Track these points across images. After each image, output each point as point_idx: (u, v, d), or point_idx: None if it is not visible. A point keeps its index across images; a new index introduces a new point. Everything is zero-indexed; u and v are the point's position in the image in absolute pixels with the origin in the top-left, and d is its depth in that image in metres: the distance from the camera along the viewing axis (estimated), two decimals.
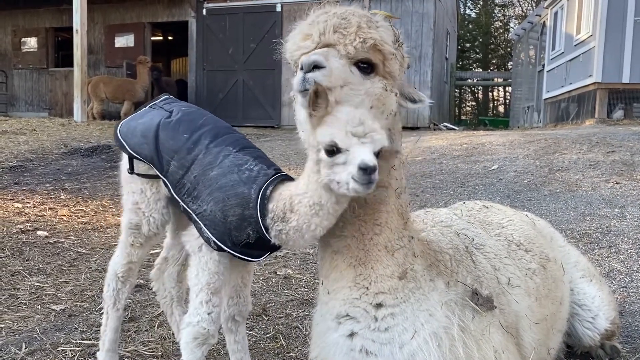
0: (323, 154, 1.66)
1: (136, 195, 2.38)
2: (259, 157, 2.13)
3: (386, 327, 1.78)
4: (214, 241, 2.01)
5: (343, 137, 1.62)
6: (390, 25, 1.79)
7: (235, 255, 2.01)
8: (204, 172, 2.09)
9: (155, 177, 2.30)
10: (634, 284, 3.85)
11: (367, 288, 1.78)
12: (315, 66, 1.65)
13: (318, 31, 1.72)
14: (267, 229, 1.91)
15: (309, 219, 1.78)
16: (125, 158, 2.41)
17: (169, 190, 2.23)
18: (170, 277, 2.70)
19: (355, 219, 1.78)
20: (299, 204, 1.81)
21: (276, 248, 2.05)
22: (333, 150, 1.62)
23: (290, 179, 2.04)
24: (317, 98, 1.65)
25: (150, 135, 2.27)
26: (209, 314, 2.05)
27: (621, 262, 4.27)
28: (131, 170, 2.35)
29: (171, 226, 2.58)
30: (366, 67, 1.71)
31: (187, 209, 2.13)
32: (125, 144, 2.34)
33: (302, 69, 1.67)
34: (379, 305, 1.78)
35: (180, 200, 2.17)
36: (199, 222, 2.05)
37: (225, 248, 1.99)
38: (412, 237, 1.85)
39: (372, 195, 1.76)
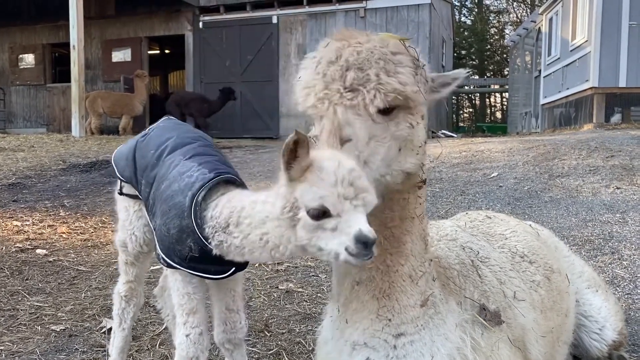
0: (304, 215, 1.44)
1: (122, 213, 2.43)
2: (206, 162, 2.02)
3: (404, 354, 1.74)
4: (162, 257, 1.96)
5: (335, 201, 1.39)
6: (407, 49, 1.62)
7: (189, 272, 1.93)
8: (158, 186, 2.06)
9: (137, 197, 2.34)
10: (639, 291, 3.83)
11: (390, 320, 1.73)
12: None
13: (337, 92, 1.55)
14: (207, 238, 1.80)
15: (254, 248, 1.65)
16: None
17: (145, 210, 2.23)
18: (170, 296, 2.67)
19: (381, 251, 1.66)
20: (250, 226, 1.64)
21: (239, 263, 1.92)
22: (320, 215, 1.41)
23: (236, 181, 1.93)
24: (298, 147, 1.43)
25: (130, 157, 2.31)
26: (186, 336, 1.99)
27: (624, 268, 4.24)
28: (120, 191, 2.41)
29: None
30: (388, 107, 1.57)
31: (152, 227, 2.11)
32: (115, 168, 2.42)
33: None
34: (399, 335, 1.74)
35: (149, 220, 2.16)
36: (155, 238, 2.02)
37: (173, 264, 1.92)
38: (431, 260, 1.81)
39: (399, 228, 1.70)
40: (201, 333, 2.02)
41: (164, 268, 2.69)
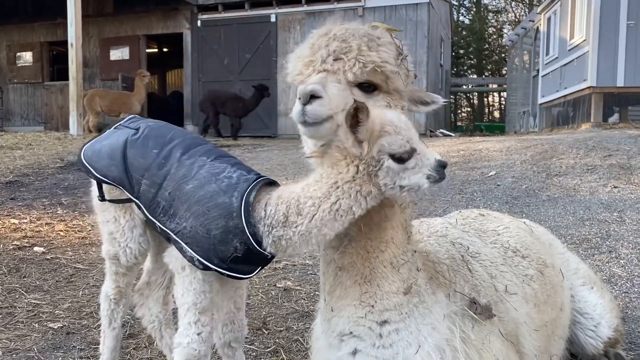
0: (389, 163, 1.60)
1: (110, 225, 2.29)
2: (237, 164, 2.02)
3: (390, 343, 1.76)
4: (198, 260, 1.88)
5: (417, 140, 1.61)
6: (393, 38, 1.77)
7: (223, 273, 1.90)
8: (178, 187, 1.97)
9: (128, 201, 2.18)
10: (636, 289, 3.84)
11: (373, 306, 1.76)
12: (313, 96, 1.62)
13: (320, 58, 1.71)
14: (256, 237, 1.80)
15: (323, 224, 1.68)
16: (94, 184, 2.29)
17: (143, 212, 2.10)
18: (157, 302, 2.60)
19: (361, 236, 1.75)
20: (314, 206, 1.68)
21: (267, 262, 1.95)
22: (408, 157, 1.60)
23: (275, 184, 1.95)
24: (358, 114, 1.59)
25: (117, 156, 2.14)
26: (198, 334, 1.98)
27: (622, 267, 4.26)
28: (102, 197, 2.24)
29: (151, 250, 2.46)
30: (369, 86, 1.70)
31: (165, 229, 2.00)
32: (91, 169, 2.21)
33: (299, 98, 1.63)
34: (384, 322, 1.77)
35: (156, 221, 2.05)
36: (180, 241, 1.93)
37: (212, 266, 1.88)
38: (415, 251, 1.84)
39: (378, 214, 1.74)
40: (210, 331, 2.03)
41: (144, 274, 2.63)
